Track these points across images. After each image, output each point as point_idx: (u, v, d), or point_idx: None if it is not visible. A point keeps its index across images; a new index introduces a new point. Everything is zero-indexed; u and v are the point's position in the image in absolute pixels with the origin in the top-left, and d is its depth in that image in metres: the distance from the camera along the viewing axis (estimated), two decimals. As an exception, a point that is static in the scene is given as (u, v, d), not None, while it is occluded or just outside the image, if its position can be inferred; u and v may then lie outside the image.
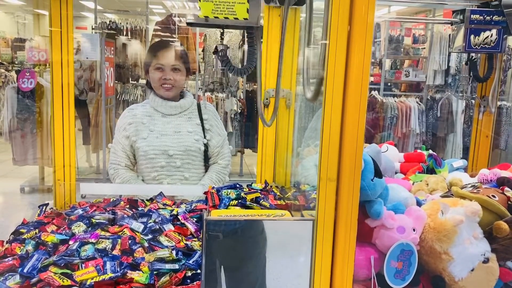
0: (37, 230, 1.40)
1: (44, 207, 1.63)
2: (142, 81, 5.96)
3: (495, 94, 2.16)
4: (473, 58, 2.11)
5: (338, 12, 0.98)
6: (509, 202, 1.30)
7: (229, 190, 1.38)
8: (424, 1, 3.33)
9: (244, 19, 1.19)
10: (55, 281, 1.12)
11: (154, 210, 1.57)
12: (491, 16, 1.93)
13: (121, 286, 1.14)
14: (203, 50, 6.30)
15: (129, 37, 5.94)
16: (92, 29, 5.52)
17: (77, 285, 1.12)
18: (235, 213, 1.26)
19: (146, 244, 1.33)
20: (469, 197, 1.27)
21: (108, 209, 1.58)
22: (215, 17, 1.18)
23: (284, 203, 1.39)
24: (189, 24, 1.23)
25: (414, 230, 1.17)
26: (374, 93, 5.55)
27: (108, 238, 1.32)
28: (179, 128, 2.00)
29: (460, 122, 5.57)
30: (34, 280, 1.14)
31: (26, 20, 12.21)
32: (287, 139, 1.76)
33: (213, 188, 1.41)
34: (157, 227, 1.44)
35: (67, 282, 1.12)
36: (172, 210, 1.59)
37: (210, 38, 6.13)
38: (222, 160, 2.08)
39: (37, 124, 5.04)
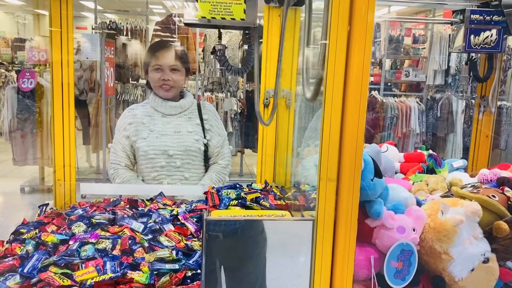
0: (37, 230, 1.40)
1: (44, 207, 1.63)
2: (142, 81, 5.96)
3: (495, 94, 2.16)
4: (473, 58, 2.11)
5: (338, 12, 0.98)
6: (509, 202, 1.30)
7: (229, 190, 1.38)
8: (424, 1, 3.32)
9: (241, 19, 1.20)
10: (55, 281, 1.12)
11: (154, 210, 1.57)
12: (491, 16, 1.93)
13: (121, 286, 1.14)
14: (203, 50, 6.30)
15: (129, 37, 5.94)
16: (92, 29, 5.52)
17: (77, 285, 1.12)
18: (235, 213, 1.26)
19: (146, 244, 1.33)
20: (469, 197, 1.27)
21: (108, 209, 1.58)
22: (212, 17, 1.19)
23: (284, 203, 1.39)
24: (186, 24, 1.24)
25: (414, 230, 1.17)
26: (374, 93, 5.55)
27: (108, 238, 1.32)
28: (179, 128, 2.00)
29: (460, 122, 5.57)
30: (34, 280, 1.14)
31: (26, 20, 12.21)
32: (287, 139, 1.76)
33: (213, 188, 1.41)
34: (157, 227, 1.44)
35: (67, 282, 1.12)
36: (172, 210, 1.59)
37: (210, 38, 6.13)
38: (222, 160, 2.08)
39: (37, 124, 5.04)
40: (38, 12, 12.04)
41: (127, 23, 6.00)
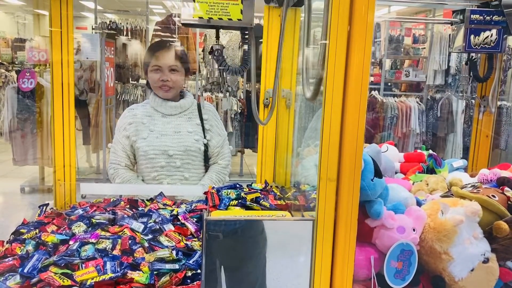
0: (37, 230, 1.40)
1: (44, 207, 1.63)
2: (142, 81, 5.95)
3: (495, 94, 2.16)
4: (473, 58, 2.11)
5: (338, 12, 0.98)
6: (509, 202, 1.30)
7: (229, 190, 1.38)
8: (424, 1, 3.33)
9: (238, 19, 1.21)
10: (55, 281, 1.12)
11: (154, 210, 1.57)
12: (491, 16, 1.93)
13: (121, 286, 1.14)
14: (203, 50, 6.30)
15: (129, 37, 5.94)
16: (92, 29, 5.52)
17: (77, 285, 1.12)
18: (235, 213, 1.26)
19: (146, 244, 1.33)
20: (469, 197, 1.27)
21: (108, 209, 1.58)
22: (210, 17, 1.19)
23: (284, 203, 1.39)
24: (184, 24, 1.25)
25: (414, 230, 1.17)
26: (374, 93, 5.55)
27: (108, 238, 1.32)
28: (179, 128, 2.00)
29: (460, 122, 5.57)
30: (34, 280, 1.14)
31: (26, 20, 12.21)
32: (287, 139, 1.76)
33: (213, 188, 1.41)
34: (157, 227, 1.44)
35: (67, 282, 1.12)
36: (172, 210, 1.59)
37: (210, 38, 6.12)
38: (222, 160, 2.08)
39: (37, 124, 5.04)
40: (38, 12, 12.04)
41: (127, 23, 5.99)
